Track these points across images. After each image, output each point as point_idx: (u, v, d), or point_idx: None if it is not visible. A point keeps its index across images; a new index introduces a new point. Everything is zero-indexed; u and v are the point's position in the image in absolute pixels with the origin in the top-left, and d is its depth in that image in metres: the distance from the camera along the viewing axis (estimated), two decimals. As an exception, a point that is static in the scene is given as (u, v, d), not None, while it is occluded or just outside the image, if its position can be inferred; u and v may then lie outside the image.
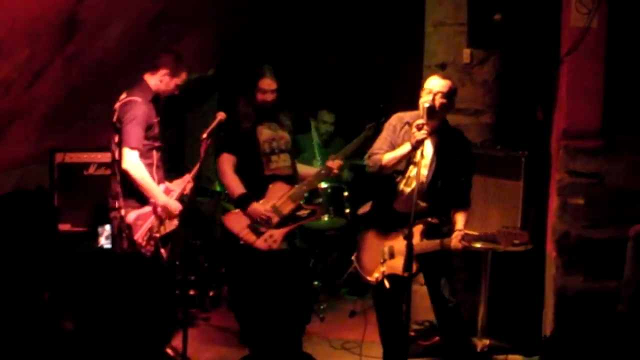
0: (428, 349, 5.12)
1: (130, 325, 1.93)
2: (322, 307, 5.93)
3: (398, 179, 4.42)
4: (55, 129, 5.79)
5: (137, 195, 4.74)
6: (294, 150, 5.45)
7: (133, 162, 4.65)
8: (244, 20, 7.33)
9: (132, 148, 4.65)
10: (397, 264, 4.27)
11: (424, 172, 4.40)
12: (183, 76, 4.90)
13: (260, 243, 4.98)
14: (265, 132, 5.17)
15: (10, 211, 2.44)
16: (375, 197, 4.63)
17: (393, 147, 4.41)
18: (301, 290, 2.31)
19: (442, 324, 4.60)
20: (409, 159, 4.31)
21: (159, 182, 4.83)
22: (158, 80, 4.83)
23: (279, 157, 5.19)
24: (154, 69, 4.84)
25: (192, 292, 5.91)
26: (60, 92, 5.48)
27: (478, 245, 5.05)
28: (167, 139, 5.09)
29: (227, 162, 5.11)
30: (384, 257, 4.39)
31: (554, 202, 5.13)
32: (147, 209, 4.76)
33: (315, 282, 6.30)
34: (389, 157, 4.38)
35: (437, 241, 4.35)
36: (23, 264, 2.39)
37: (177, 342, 4.59)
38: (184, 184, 4.89)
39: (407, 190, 4.41)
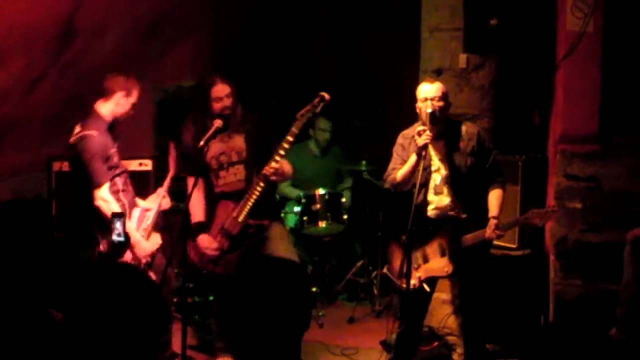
0: (428, 354, 5.11)
1: (120, 335, 1.94)
2: (320, 313, 5.91)
3: (425, 189, 4.46)
4: (53, 137, 5.79)
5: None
6: (265, 152, 4.76)
7: (104, 198, 4.48)
8: (239, 27, 7.34)
9: (100, 185, 4.47)
10: (433, 266, 4.47)
11: (445, 172, 4.46)
12: (136, 94, 4.66)
13: (219, 270, 4.80)
14: (213, 147, 4.76)
15: (8, 220, 2.44)
16: (407, 210, 4.60)
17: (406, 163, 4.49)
18: (299, 296, 2.31)
19: (466, 326, 4.65)
20: (428, 168, 4.34)
21: (130, 206, 4.65)
22: (114, 105, 4.59)
23: (228, 172, 4.81)
24: (107, 94, 4.58)
25: (190, 300, 5.89)
26: (58, 99, 5.49)
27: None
28: (162, 145, 5.02)
29: (190, 185, 4.58)
30: (418, 263, 4.48)
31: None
32: None
33: (314, 289, 6.28)
34: (401, 172, 4.47)
35: (465, 236, 4.40)
36: (20, 272, 2.39)
37: (176, 347, 4.59)
38: (158, 199, 4.76)
39: (436, 198, 4.48)
